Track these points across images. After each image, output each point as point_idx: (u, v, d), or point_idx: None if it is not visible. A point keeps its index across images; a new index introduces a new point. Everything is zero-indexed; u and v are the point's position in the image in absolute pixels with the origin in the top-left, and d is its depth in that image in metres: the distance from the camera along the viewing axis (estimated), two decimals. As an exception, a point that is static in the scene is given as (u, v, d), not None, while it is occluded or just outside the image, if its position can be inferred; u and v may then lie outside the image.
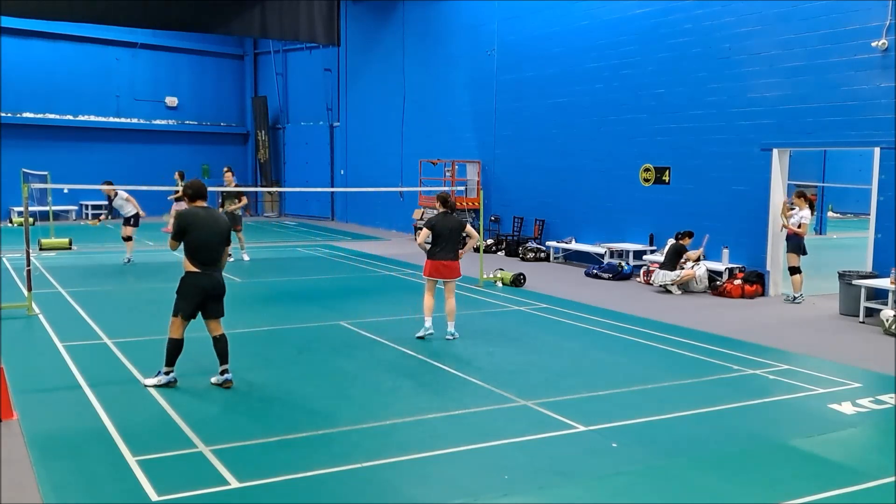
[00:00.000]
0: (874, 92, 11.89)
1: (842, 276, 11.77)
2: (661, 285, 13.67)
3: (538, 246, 18.27)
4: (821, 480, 5.38)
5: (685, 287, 13.60)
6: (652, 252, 15.60)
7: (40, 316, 10.60)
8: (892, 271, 10.98)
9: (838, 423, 6.68)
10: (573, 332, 10.29)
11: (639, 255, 15.70)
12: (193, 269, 7.24)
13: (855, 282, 11.42)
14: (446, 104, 22.36)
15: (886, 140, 11.72)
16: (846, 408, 7.04)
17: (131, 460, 5.54)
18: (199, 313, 7.40)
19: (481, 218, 15.26)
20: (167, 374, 7.37)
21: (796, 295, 12.60)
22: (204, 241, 7.23)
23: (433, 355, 8.77)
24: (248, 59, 32.71)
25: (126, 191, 15.97)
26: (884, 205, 11.84)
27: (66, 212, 27.77)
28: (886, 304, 11.09)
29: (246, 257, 16.79)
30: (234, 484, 5.18)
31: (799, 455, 5.92)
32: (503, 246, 18.97)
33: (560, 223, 18.27)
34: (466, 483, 5.30)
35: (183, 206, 23.22)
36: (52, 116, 28.01)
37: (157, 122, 30.48)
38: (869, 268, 11.99)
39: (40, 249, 18.03)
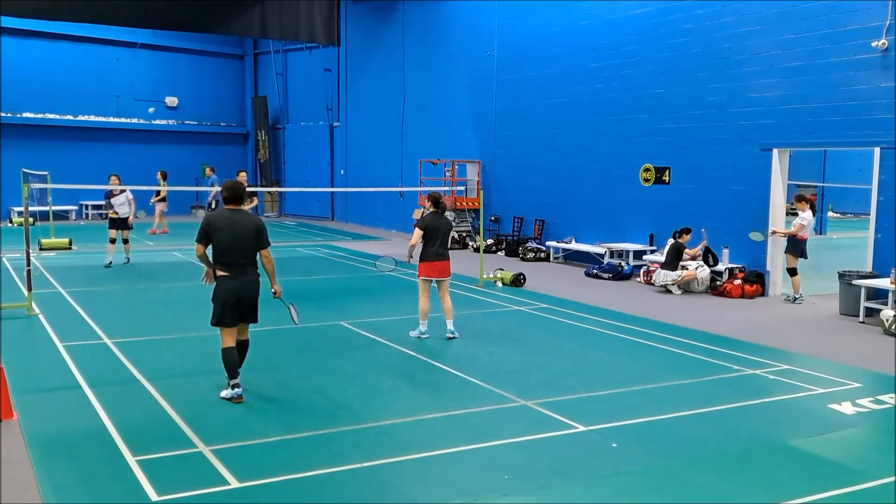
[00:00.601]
0: (874, 92, 11.89)
1: (842, 276, 11.77)
2: (662, 285, 13.67)
3: (538, 246, 18.26)
4: (821, 480, 5.38)
5: (686, 287, 13.60)
6: (652, 252, 15.60)
7: (40, 316, 10.59)
8: (892, 271, 10.98)
9: (838, 423, 6.68)
10: (573, 332, 10.29)
11: (639, 255, 15.70)
12: (223, 273, 7.06)
13: (855, 282, 11.42)
14: (446, 104, 22.36)
15: (886, 140, 11.72)
16: (846, 408, 7.04)
17: (131, 460, 5.54)
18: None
19: (481, 218, 15.26)
20: (233, 387, 6.99)
21: (796, 296, 12.60)
22: (230, 244, 6.98)
23: (433, 355, 8.77)
24: (248, 59, 32.71)
25: (121, 189, 15.83)
26: (884, 205, 11.84)
27: (66, 212, 27.75)
28: (886, 304, 11.08)
29: None
30: (234, 484, 5.18)
31: (799, 455, 5.92)
32: (503, 246, 18.97)
33: (560, 223, 18.27)
34: (466, 483, 5.30)
35: (164, 206, 22.89)
36: (52, 116, 28.01)
37: (157, 122, 30.49)
38: (869, 268, 11.99)
39: (40, 249, 18.03)
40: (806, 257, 12.57)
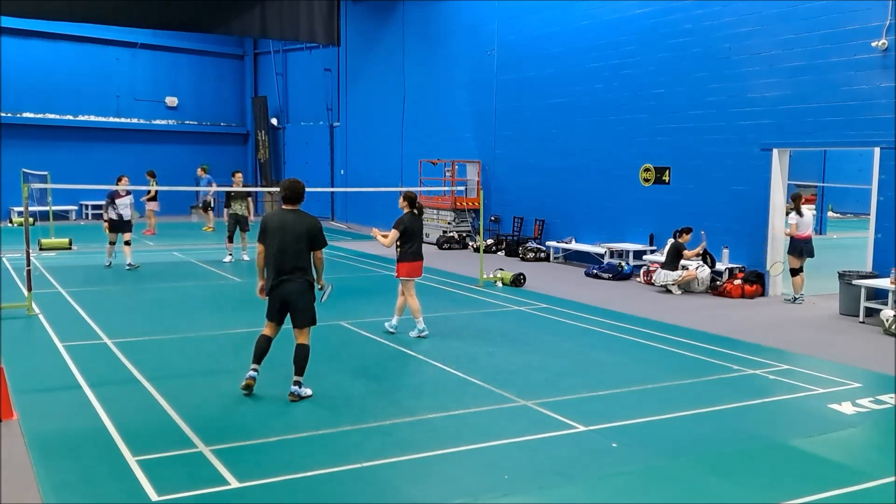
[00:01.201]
0: (874, 92, 11.89)
1: (842, 276, 11.77)
2: (662, 285, 13.67)
3: (538, 246, 18.26)
4: (821, 480, 5.38)
5: (686, 287, 13.60)
6: (652, 252, 15.60)
7: (40, 316, 10.59)
8: (892, 271, 10.98)
9: (838, 423, 6.68)
10: (573, 332, 10.29)
11: (639, 255, 15.70)
12: (271, 273, 7.00)
13: (855, 282, 11.42)
14: (446, 104, 22.36)
15: (886, 140, 11.72)
16: (846, 408, 7.05)
17: (131, 460, 5.54)
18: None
19: (481, 218, 15.26)
20: (253, 369, 7.14)
21: (796, 296, 12.61)
22: (279, 244, 6.91)
23: (433, 355, 8.77)
24: (248, 59, 32.70)
25: (127, 191, 15.72)
26: (884, 205, 11.84)
27: (66, 212, 27.75)
28: (886, 304, 11.09)
29: (245, 257, 16.79)
30: (234, 484, 5.18)
31: (799, 455, 5.92)
32: (503, 246, 18.97)
33: (560, 223, 18.27)
34: (466, 483, 5.30)
35: (155, 206, 22.77)
36: (52, 116, 27.99)
37: (157, 122, 30.48)
38: (869, 268, 11.99)
39: (40, 249, 18.02)
40: (812, 255, 12.58)
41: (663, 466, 5.61)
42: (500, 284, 14.09)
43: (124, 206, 15.26)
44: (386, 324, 9.99)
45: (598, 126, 17.05)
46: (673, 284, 13.49)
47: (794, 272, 12.57)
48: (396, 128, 24.76)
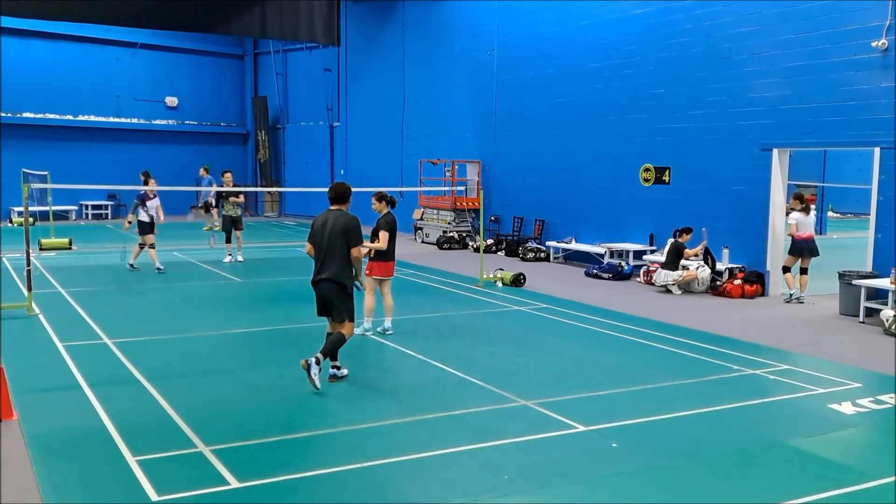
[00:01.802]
0: (874, 92, 11.89)
1: (842, 276, 11.77)
2: (662, 285, 13.67)
3: (538, 246, 18.26)
4: (821, 480, 5.38)
5: (686, 287, 13.60)
6: (652, 252, 15.60)
7: (40, 316, 10.59)
8: (892, 271, 10.98)
9: (838, 423, 6.68)
10: (573, 332, 10.29)
11: (639, 255, 15.70)
12: (314, 270, 7.45)
13: (855, 282, 11.42)
14: (446, 104, 22.36)
15: (886, 140, 11.72)
16: (846, 408, 7.04)
17: (131, 460, 5.54)
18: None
19: (481, 218, 15.26)
20: (314, 359, 7.26)
21: (791, 292, 12.61)
22: (320, 243, 7.40)
23: (433, 355, 8.76)
24: (248, 59, 32.70)
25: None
26: (884, 205, 11.84)
27: (66, 212, 27.76)
28: (886, 304, 11.09)
29: (240, 258, 16.66)
30: (234, 484, 5.18)
31: (799, 455, 5.92)
32: (503, 246, 18.97)
33: (560, 223, 18.27)
34: (466, 483, 5.30)
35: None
36: (52, 116, 28.00)
37: (157, 122, 30.48)
38: (869, 268, 11.99)
39: (40, 249, 18.03)
40: (816, 255, 12.57)
41: (663, 466, 5.61)
42: (500, 284, 14.09)
43: (153, 208, 14.97)
44: (358, 329, 9.68)
45: (598, 126, 17.05)
46: (673, 284, 13.49)
47: (786, 269, 12.59)
48: (396, 128, 24.76)
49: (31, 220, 15.68)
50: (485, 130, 20.73)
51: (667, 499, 5.10)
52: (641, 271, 14.82)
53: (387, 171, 25.15)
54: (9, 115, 26.93)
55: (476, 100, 21.05)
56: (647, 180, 15.91)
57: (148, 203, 14.84)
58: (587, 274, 15.58)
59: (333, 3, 22.20)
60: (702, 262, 13.72)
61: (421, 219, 21.94)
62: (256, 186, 31.25)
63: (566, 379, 7.93)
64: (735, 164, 14.00)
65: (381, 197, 9.71)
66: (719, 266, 13.76)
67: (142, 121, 30.08)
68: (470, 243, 20.13)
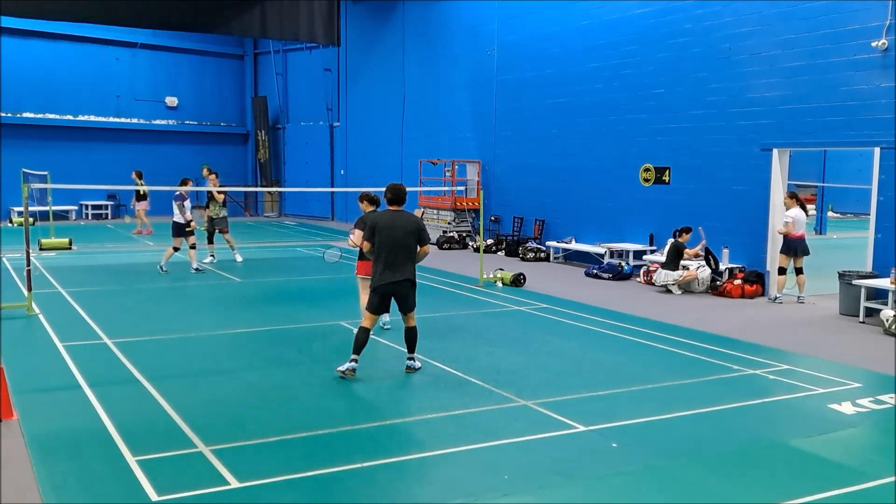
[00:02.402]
0: (874, 92, 11.89)
1: (842, 276, 11.77)
2: (662, 285, 13.67)
3: (538, 246, 18.26)
4: (821, 480, 5.38)
5: (686, 287, 13.60)
6: (652, 252, 15.60)
7: (40, 316, 10.59)
8: (892, 271, 10.98)
9: (838, 423, 6.68)
10: (573, 332, 10.29)
11: (639, 255, 15.70)
12: (376, 269, 7.69)
13: (855, 282, 11.42)
14: (446, 104, 22.36)
15: (886, 140, 11.72)
16: (846, 408, 7.04)
17: (131, 460, 5.54)
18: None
19: (481, 218, 15.26)
20: (351, 360, 7.69)
21: (777, 295, 12.60)
22: (390, 243, 7.62)
23: (433, 355, 8.76)
24: (248, 59, 32.70)
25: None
26: (884, 205, 11.84)
27: (66, 212, 27.76)
28: (886, 304, 11.08)
29: (238, 258, 16.49)
30: (234, 484, 5.18)
31: (799, 455, 5.92)
32: (503, 246, 18.97)
33: (560, 223, 18.27)
34: (466, 483, 5.30)
35: (145, 205, 22.33)
36: (52, 116, 28.00)
37: (157, 122, 30.48)
38: (869, 268, 11.99)
39: (40, 249, 18.03)
40: (808, 253, 12.54)
41: (663, 466, 5.61)
42: (500, 284, 14.09)
43: (189, 209, 14.91)
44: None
45: (598, 126, 17.05)
46: (673, 284, 13.49)
47: (781, 271, 12.57)
48: (396, 128, 24.76)
49: (31, 220, 15.68)
50: (485, 130, 20.73)
51: (667, 499, 5.10)
52: (641, 271, 14.82)
53: (387, 171, 25.11)
54: (9, 115, 26.93)
55: (476, 100, 21.05)
56: (647, 180, 15.91)
57: (185, 203, 14.81)
58: (587, 274, 15.59)
59: (333, 3, 22.22)
60: (702, 263, 13.71)
61: (421, 218, 21.89)
62: (256, 186, 31.25)
63: (566, 379, 7.94)
64: (735, 164, 14.00)
65: (371, 196, 10.08)
66: (719, 266, 13.75)
67: (142, 121, 30.07)
68: (470, 243, 20.13)
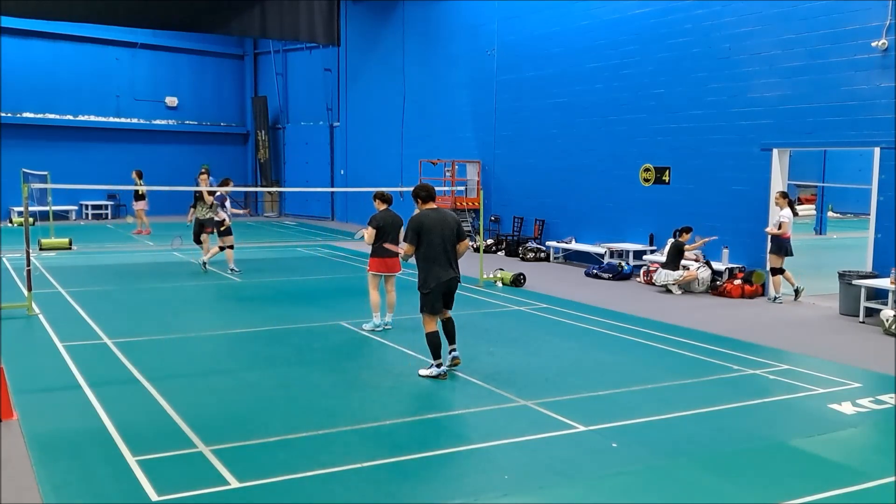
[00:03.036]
0: (874, 92, 11.89)
1: (842, 276, 11.77)
2: (662, 285, 13.67)
3: (538, 246, 18.26)
4: (821, 480, 5.38)
5: (686, 287, 13.60)
6: (652, 252, 15.60)
7: (40, 316, 10.59)
8: (892, 271, 10.98)
9: (838, 423, 6.68)
10: (573, 332, 10.29)
11: (639, 255, 15.70)
12: (430, 269, 7.66)
13: (855, 282, 11.42)
14: (446, 104, 22.36)
15: (886, 140, 11.72)
16: (846, 408, 7.04)
17: (131, 460, 5.54)
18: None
19: (481, 218, 15.26)
20: (437, 366, 7.80)
21: (776, 295, 12.59)
22: (439, 241, 7.64)
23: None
24: (248, 59, 32.69)
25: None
26: (884, 205, 11.84)
27: (66, 212, 27.75)
28: (886, 304, 11.09)
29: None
30: (234, 484, 5.18)
31: (799, 455, 5.92)
32: (503, 246, 18.97)
33: (560, 223, 18.27)
34: (466, 483, 5.30)
35: (143, 205, 22.15)
36: (52, 116, 27.99)
37: (157, 122, 30.48)
38: (869, 268, 11.99)
39: (40, 249, 18.02)
40: (789, 254, 12.52)
41: (663, 466, 5.61)
42: (500, 284, 14.10)
43: (229, 209, 14.88)
44: (367, 325, 10.09)
45: (598, 126, 17.05)
46: (673, 284, 13.49)
47: (775, 271, 12.55)
48: (396, 128, 24.76)
49: (31, 220, 15.68)
50: (485, 130, 20.73)
51: (667, 499, 5.10)
52: (641, 271, 14.82)
53: (387, 171, 25.15)
54: (9, 115, 26.91)
55: (476, 100, 21.05)
56: (647, 180, 15.91)
57: (226, 204, 14.84)
58: (587, 274, 15.59)
59: (333, 3, 22.24)
60: (703, 263, 13.72)
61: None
62: (256, 186, 31.25)
63: (566, 379, 7.93)
64: (735, 164, 14.01)
65: (380, 194, 10.23)
66: (719, 266, 13.75)
67: (142, 121, 30.07)
68: (470, 243, 20.11)
